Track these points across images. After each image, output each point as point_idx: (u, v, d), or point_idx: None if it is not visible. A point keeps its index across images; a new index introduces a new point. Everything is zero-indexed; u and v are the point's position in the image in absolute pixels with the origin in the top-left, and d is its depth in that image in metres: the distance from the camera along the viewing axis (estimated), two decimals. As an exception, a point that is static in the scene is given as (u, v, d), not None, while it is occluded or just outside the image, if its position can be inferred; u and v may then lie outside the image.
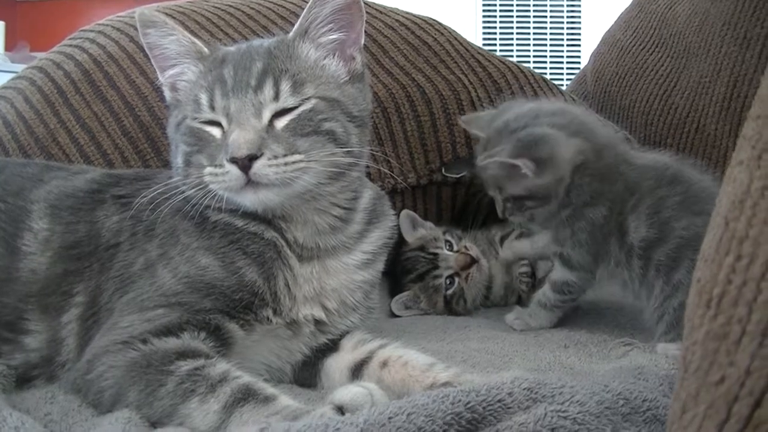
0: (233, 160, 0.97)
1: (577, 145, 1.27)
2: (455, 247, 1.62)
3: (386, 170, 1.57)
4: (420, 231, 1.67)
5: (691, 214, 1.18)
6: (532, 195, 1.30)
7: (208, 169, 1.01)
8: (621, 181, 1.26)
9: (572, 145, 1.26)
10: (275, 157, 0.98)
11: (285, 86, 1.03)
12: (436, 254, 1.61)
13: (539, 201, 1.30)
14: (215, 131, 1.04)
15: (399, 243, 1.52)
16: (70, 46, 1.70)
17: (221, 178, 1.00)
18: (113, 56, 1.63)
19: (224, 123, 1.02)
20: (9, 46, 5.24)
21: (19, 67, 4.01)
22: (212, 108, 1.04)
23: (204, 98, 1.04)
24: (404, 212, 1.66)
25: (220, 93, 1.03)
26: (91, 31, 1.74)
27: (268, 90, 1.02)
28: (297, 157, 0.99)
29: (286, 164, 0.98)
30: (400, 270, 1.65)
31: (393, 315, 1.61)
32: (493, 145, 1.31)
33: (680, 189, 1.22)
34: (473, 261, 1.59)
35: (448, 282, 1.59)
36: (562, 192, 1.27)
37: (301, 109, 1.02)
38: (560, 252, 1.33)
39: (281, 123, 1.01)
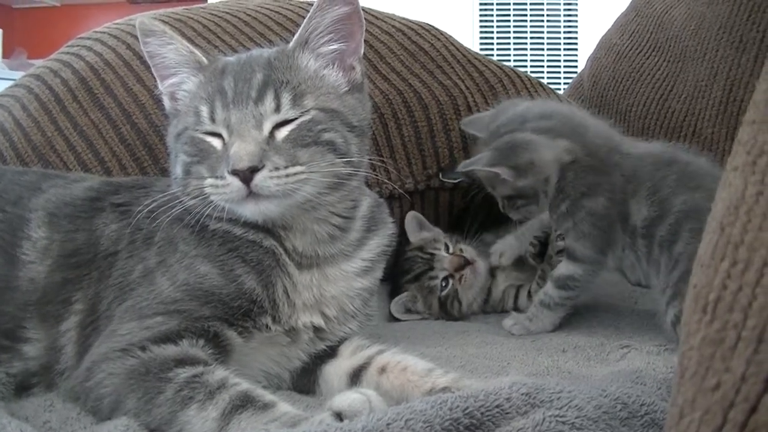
0: (235, 173, 0.97)
1: (564, 146, 1.32)
2: (451, 249, 1.62)
3: (384, 179, 1.58)
4: (424, 233, 1.68)
5: (688, 190, 1.22)
6: (520, 194, 1.36)
7: (209, 181, 1.01)
8: (617, 172, 1.30)
9: (557, 146, 1.31)
10: (276, 168, 0.98)
11: (286, 98, 1.02)
12: (432, 255, 1.61)
13: (528, 199, 1.36)
14: (216, 142, 1.03)
15: (400, 246, 1.52)
16: (67, 53, 1.70)
17: (222, 190, 0.99)
18: (110, 64, 1.63)
19: (225, 134, 1.02)
20: (6, 53, 5.24)
21: (17, 74, 4.02)
22: (213, 120, 1.03)
23: (204, 110, 1.04)
24: (411, 213, 1.67)
25: (220, 105, 1.03)
26: (88, 38, 1.74)
27: (269, 102, 1.02)
28: (298, 168, 0.99)
29: (287, 176, 0.98)
30: (399, 270, 1.65)
31: (392, 318, 1.61)
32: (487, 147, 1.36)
33: (677, 168, 1.27)
34: (467, 263, 1.59)
35: (443, 284, 1.59)
36: (552, 189, 1.33)
37: (300, 120, 1.02)
38: (564, 246, 1.36)
39: (281, 134, 1.01)
